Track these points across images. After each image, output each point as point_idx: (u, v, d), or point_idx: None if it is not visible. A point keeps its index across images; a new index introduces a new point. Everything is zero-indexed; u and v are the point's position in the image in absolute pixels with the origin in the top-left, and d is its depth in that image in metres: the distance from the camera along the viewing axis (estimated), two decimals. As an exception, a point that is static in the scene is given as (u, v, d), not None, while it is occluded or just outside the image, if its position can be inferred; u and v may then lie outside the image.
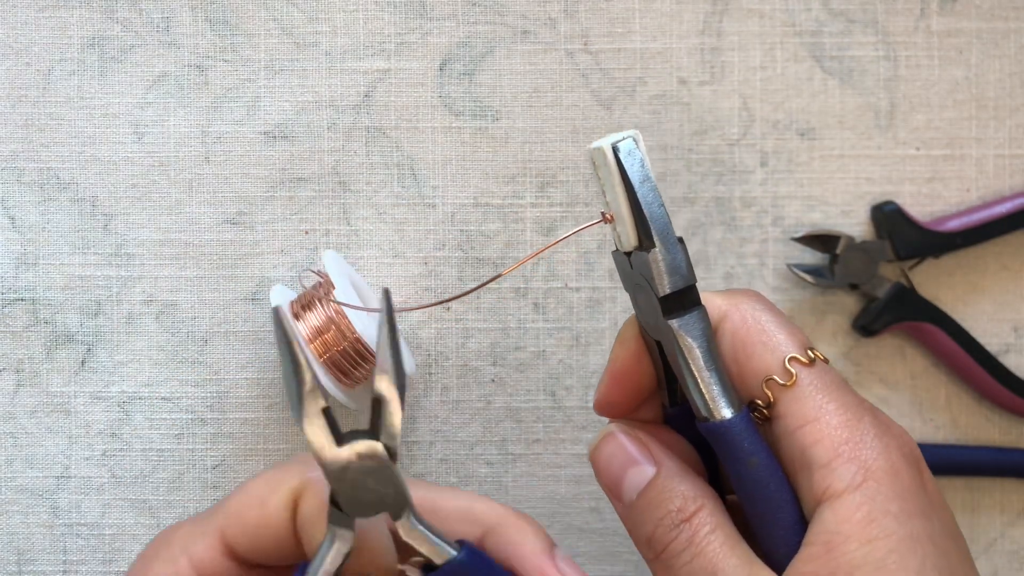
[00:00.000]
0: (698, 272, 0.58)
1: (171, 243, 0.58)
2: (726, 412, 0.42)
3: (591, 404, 0.58)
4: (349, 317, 0.52)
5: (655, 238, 0.42)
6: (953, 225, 0.57)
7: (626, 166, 0.42)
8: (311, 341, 0.53)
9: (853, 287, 0.58)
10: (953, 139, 0.58)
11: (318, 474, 0.42)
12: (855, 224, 0.58)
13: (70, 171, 0.58)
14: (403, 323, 0.58)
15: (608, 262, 0.58)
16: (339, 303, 0.52)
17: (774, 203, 0.58)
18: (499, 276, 0.48)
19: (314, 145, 0.58)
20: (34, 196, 0.58)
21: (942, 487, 0.59)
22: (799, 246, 0.58)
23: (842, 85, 0.58)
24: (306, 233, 0.58)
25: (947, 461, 0.58)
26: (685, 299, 0.43)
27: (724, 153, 0.58)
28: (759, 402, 0.43)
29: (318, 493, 0.43)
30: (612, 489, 0.45)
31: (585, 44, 0.58)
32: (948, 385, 0.59)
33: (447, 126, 0.58)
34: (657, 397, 0.47)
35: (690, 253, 0.58)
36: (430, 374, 0.58)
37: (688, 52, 0.58)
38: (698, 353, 0.42)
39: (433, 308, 0.58)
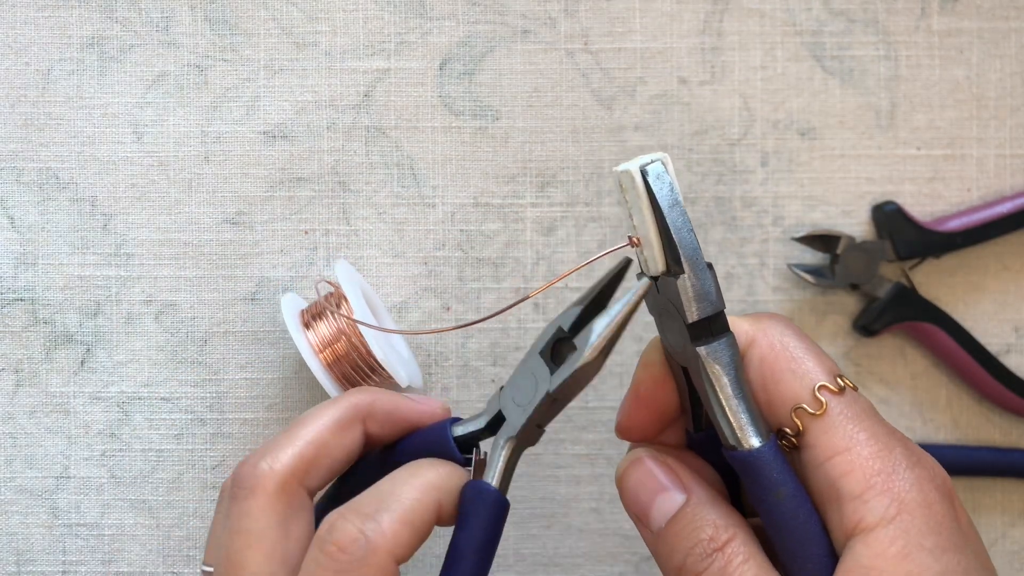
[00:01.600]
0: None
1: (170, 243, 0.58)
2: (754, 441, 0.41)
3: (591, 405, 0.58)
4: (361, 329, 0.52)
5: (684, 264, 0.42)
6: (954, 225, 0.57)
7: (655, 190, 0.41)
8: (320, 351, 0.53)
9: (854, 287, 0.58)
10: (954, 139, 0.58)
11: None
12: (856, 224, 0.58)
13: (69, 171, 0.58)
14: (403, 323, 0.58)
15: (609, 263, 0.58)
16: (357, 321, 0.52)
17: (775, 203, 0.58)
18: (526, 299, 0.48)
19: (314, 145, 0.58)
20: (33, 196, 0.58)
21: (943, 487, 0.59)
22: (799, 246, 0.58)
23: (843, 85, 0.58)
24: (306, 233, 0.58)
25: (948, 461, 0.57)
26: (714, 325, 0.42)
27: (724, 153, 0.58)
28: (787, 430, 0.42)
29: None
30: (640, 516, 0.44)
31: (585, 44, 0.58)
32: (949, 385, 0.59)
33: (447, 126, 0.58)
34: (680, 421, 0.46)
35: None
36: (430, 374, 0.58)
37: (688, 52, 0.58)
38: (726, 381, 0.42)
39: (433, 309, 0.58)
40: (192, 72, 0.58)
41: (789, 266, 0.58)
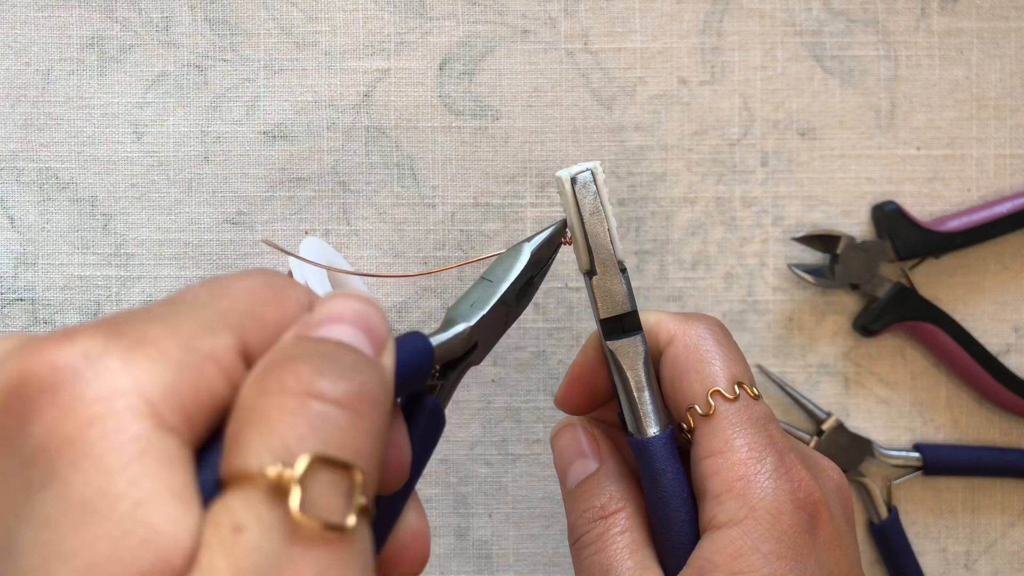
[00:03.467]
0: (698, 272, 0.58)
1: (171, 243, 0.58)
2: (651, 431, 0.45)
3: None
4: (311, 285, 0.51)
5: (597, 266, 0.46)
6: (953, 225, 0.57)
7: (579, 197, 0.46)
8: None
9: (854, 287, 0.58)
10: (954, 139, 0.58)
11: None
12: (856, 224, 0.58)
13: (69, 171, 0.58)
14: (403, 323, 0.58)
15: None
16: (275, 246, 0.51)
17: (774, 203, 0.58)
18: (432, 271, 0.49)
19: (314, 145, 0.58)
20: (33, 196, 0.58)
21: (943, 487, 0.59)
22: (799, 246, 0.58)
23: (843, 85, 0.58)
24: (306, 233, 0.58)
25: (947, 461, 0.58)
26: (626, 323, 0.46)
27: (724, 153, 0.58)
28: (684, 426, 0.45)
29: None
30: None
31: (585, 44, 0.58)
32: (948, 385, 0.59)
33: (447, 126, 0.58)
34: (615, 403, 0.49)
35: (691, 253, 0.58)
36: (430, 374, 0.58)
37: (688, 52, 0.58)
38: (630, 375, 0.46)
39: (433, 309, 0.58)
40: (192, 72, 0.58)
41: (789, 266, 0.58)
